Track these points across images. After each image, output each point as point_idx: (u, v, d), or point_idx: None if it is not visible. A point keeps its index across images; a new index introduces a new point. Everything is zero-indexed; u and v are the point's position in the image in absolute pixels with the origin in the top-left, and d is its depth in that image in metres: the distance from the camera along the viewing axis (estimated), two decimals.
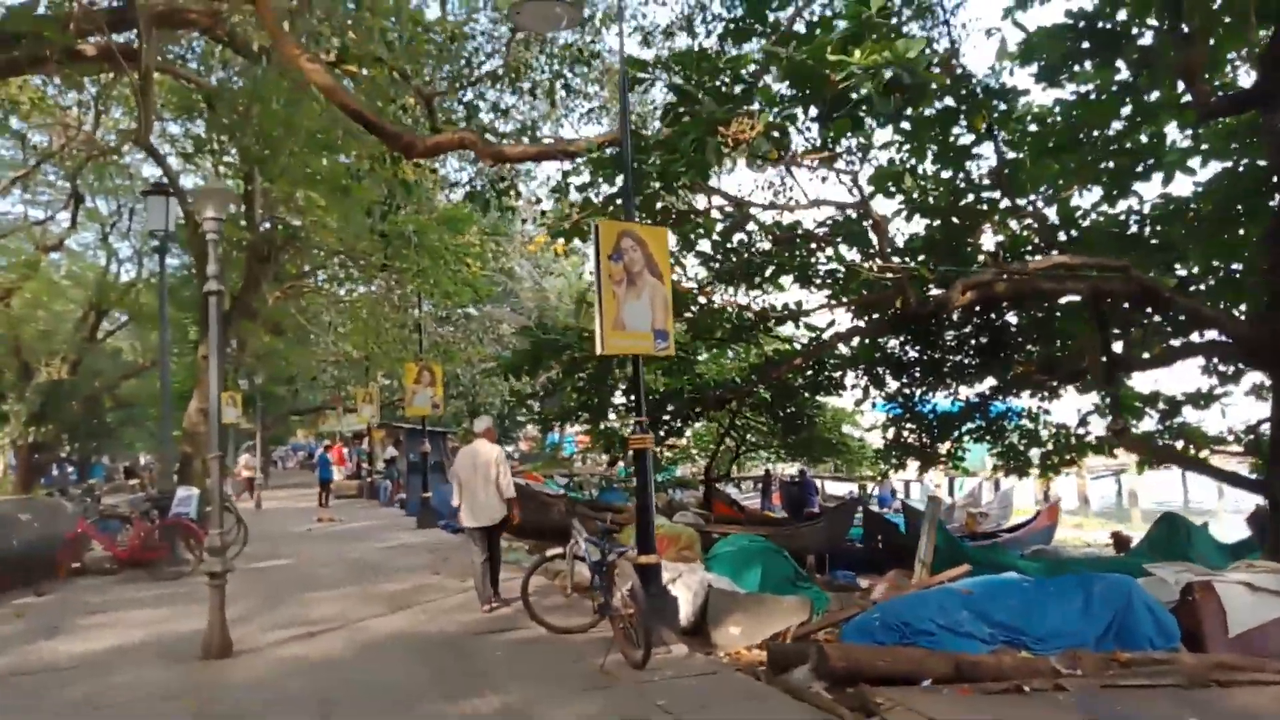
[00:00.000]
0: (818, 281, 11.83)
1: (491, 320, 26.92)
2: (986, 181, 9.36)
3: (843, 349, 13.52)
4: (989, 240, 10.97)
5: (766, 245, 11.00)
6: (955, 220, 9.76)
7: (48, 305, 27.11)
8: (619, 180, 7.66)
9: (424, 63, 10.83)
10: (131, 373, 30.64)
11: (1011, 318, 12.55)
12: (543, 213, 10.77)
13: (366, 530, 15.32)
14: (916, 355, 13.87)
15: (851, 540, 13.81)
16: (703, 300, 11.41)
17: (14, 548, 9.52)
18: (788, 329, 13.72)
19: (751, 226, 10.33)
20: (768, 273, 11.40)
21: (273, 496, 25.54)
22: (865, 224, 8.95)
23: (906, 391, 14.35)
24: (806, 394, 14.08)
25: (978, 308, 10.76)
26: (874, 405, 14.47)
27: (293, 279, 16.01)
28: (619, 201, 8.93)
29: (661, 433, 14.82)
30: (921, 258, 10.08)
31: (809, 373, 13.44)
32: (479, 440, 7.57)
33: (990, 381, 13.66)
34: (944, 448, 14.30)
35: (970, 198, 9.63)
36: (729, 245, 10.30)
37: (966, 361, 13.56)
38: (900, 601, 6.17)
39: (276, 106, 10.84)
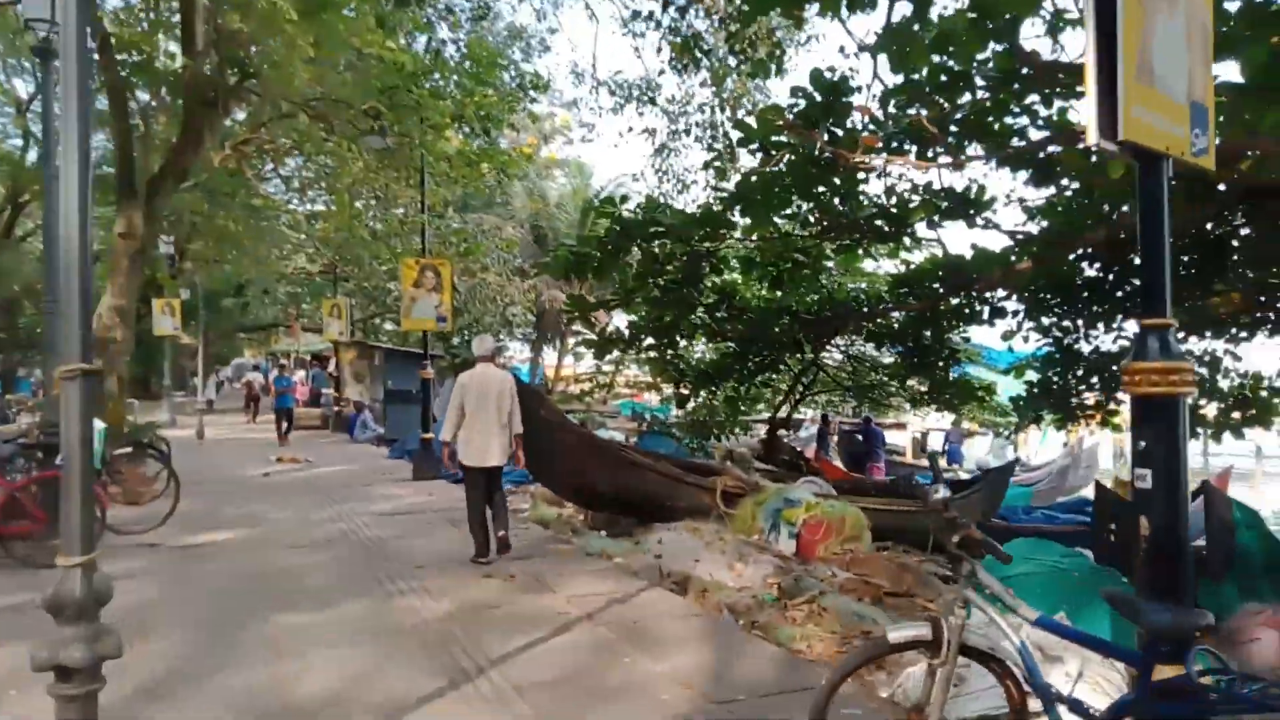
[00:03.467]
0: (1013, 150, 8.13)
1: (488, 224, 22.64)
2: None
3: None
4: None
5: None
6: None
7: None
8: None
9: None
10: None
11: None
12: None
13: (346, 479, 11.56)
14: (1096, 275, 10.52)
15: (1000, 519, 10.54)
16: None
17: None
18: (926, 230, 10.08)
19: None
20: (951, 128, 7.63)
21: (218, 423, 21.56)
22: None
23: (1065, 324, 11.12)
24: (951, 322, 10.51)
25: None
26: (1024, 340, 11.19)
27: (249, 135, 11.73)
28: None
29: (749, 368, 11.30)
30: None
31: (962, 294, 9.89)
32: (483, 364, 6.57)
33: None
34: (1091, 398, 11.23)
35: None
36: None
37: None
38: None
39: None
